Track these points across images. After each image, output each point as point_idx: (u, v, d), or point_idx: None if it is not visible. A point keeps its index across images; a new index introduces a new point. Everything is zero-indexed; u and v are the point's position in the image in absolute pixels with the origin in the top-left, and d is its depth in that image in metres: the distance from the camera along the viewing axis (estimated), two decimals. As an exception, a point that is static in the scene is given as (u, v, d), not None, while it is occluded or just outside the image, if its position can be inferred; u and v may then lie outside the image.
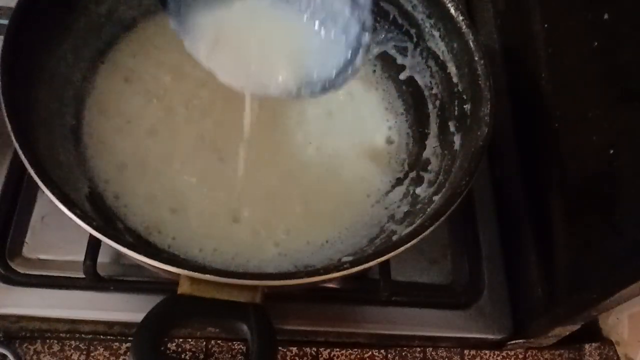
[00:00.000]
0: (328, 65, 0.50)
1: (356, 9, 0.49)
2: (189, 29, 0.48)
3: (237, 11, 0.50)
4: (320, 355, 0.58)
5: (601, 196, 0.49)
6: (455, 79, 0.58)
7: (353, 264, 0.45)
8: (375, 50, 0.67)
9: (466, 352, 0.60)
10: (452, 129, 0.58)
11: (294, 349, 0.58)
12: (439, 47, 0.60)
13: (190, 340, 0.57)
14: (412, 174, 0.61)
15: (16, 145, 0.45)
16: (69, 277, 0.57)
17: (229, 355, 0.57)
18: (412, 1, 0.60)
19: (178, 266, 0.43)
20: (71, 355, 0.55)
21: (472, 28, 0.55)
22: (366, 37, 0.48)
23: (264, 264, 0.56)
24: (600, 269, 0.48)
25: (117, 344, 0.56)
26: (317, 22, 0.51)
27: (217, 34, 0.49)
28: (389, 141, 0.64)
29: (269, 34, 0.51)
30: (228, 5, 0.50)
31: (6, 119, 0.46)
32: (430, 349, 0.59)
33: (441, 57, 0.60)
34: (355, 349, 0.59)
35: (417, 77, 0.64)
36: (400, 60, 0.65)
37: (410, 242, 0.46)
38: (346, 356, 0.58)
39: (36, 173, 0.44)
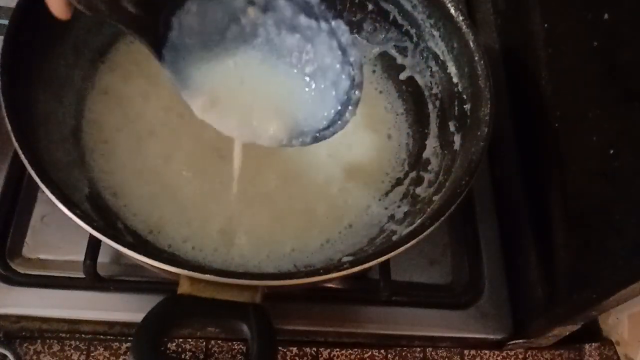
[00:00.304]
0: (318, 118, 0.51)
1: (346, 65, 0.50)
2: (184, 82, 0.50)
3: (231, 65, 0.52)
4: (320, 355, 0.58)
5: (601, 196, 0.49)
6: (455, 79, 0.58)
7: (353, 264, 0.45)
8: (375, 50, 0.67)
9: (466, 352, 0.60)
10: (452, 129, 0.58)
11: (294, 349, 0.58)
12: (439, 47, 0.60)
13: (190, 340, 0.57)
14: (412, 174, 0.61)
15: (16, 145, 0.45)
16: (69, 277, 0.57)
17: (229, 355, 0.57)
18: (412, 1, 0.60)
19: (178, 266, 0.43)
20: (71, 355, 0.55)
21: (472, 28, 0.55)
22: (356, 94, 0.50)
23: (264, 264, 0.56)
24: (600, 269, 0.48)
25: (117, 344, 0.56)
26: (307, 77, 0.52)
27: (212, 86, 0.51)
28: (389, 141, 0.64)
29: (261, 87, 0.52)
30: (222, 59, 0.52)
31: (6, 119, 0.46)
32: (430, 349, 0.59)
33: (441, 57, 0.60)
34: (355, 349, 0.58)
35: (417, 77, 0.64)
36: (400, 60, 0.65)
37: (410, 242, 0.46)
38: (346, 356, 0.58)
39: (36, 173, 0.44)
